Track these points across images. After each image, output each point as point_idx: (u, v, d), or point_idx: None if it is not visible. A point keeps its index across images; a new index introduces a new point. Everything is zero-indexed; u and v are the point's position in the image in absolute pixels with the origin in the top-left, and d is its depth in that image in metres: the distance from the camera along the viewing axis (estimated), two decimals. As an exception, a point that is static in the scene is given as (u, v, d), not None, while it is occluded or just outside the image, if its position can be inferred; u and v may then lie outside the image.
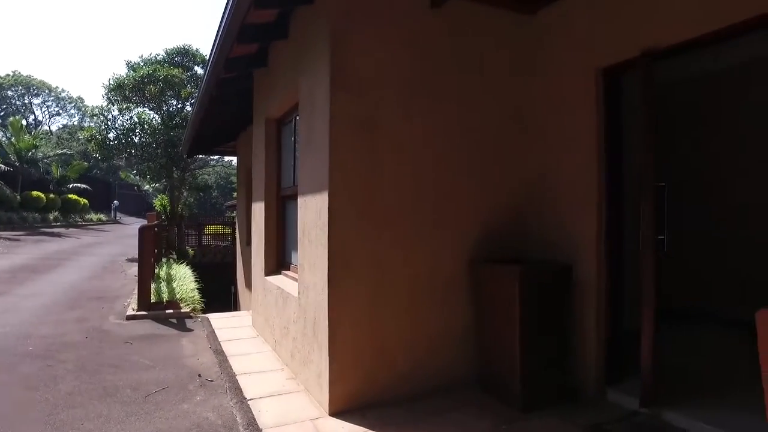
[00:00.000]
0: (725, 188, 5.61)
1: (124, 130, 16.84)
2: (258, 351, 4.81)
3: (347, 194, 3.33)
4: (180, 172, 17.41)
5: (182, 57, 18.48)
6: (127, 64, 18.58)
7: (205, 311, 7.05)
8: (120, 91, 16.37)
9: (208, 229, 21.77)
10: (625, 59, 3.38)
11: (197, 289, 7.76)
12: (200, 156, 16.86)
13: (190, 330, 5.73)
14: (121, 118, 17.26)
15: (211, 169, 37.27)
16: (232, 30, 3.84)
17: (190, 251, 17.96)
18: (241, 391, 3.65)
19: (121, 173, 22.72)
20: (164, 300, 6.82)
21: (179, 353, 4.73)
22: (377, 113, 3.45)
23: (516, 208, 4.04)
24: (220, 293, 12.63)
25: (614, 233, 3.60)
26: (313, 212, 3.59)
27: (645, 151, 3.23)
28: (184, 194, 18.69)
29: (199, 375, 4.06)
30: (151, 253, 7.91)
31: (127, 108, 17.07)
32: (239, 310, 10.00)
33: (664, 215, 3.42)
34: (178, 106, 17.40)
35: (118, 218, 40.06)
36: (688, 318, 5.53)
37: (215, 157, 24.89)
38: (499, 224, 3.94)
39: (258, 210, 5.56)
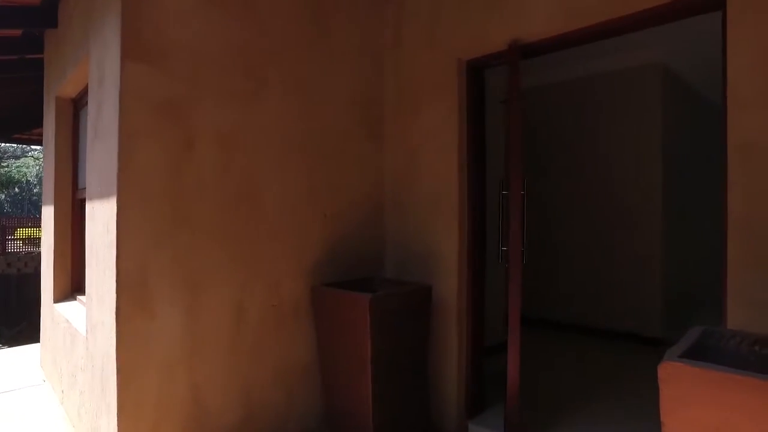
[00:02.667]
0: (569, 192, 5.76)
1: None
2: (36, 407, 3.62)
3: (145, 202, 2.46)
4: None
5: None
6: None
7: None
8: None
9: (20, 233, 18.16)
10: (493, 52, 3.03)
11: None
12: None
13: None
14: None
15: (32, 161, 31.69)
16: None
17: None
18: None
19: None
20: None
21: None
22: (194, 96, 2.63)
23: (370, 221, 3.50)
24: (32, 312, 10.35)
25: (478, 247, 3.24)
26: (100, 225, 2.64)
27: (513, 156, 2.89)
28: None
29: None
30: None
31: None
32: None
33: (524, 225, 3.14)
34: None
35: None
36: (527, 323, 5.57)
37: (37, 147, 20.96)
38: (350, 240, 3.36)
39: (47, 215, 4.29)
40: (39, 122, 7.99)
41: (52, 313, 3.97)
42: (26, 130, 8.45)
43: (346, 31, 3.37)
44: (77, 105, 4.05)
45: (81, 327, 3.14)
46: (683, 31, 4.44)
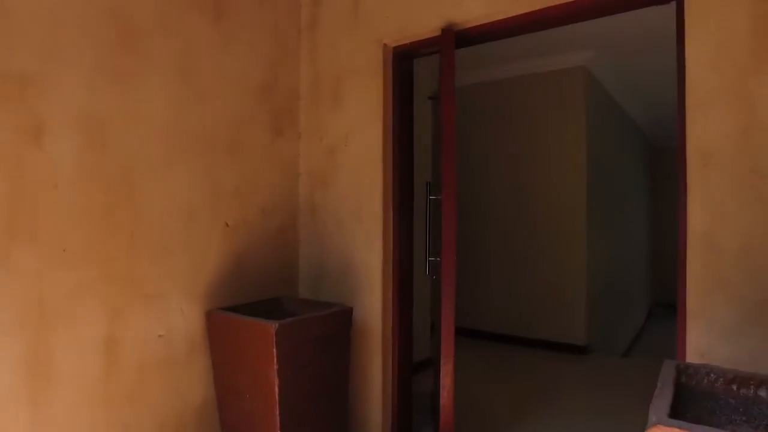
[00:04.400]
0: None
1: None
2: None
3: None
4: None
5: None
6: None
7: None
8: None
9: None
10: (424, 38, 2.67)
11: None
12: None
13: None
14: None
15: None
16: None
17: None
18: None
19: None
20: None
21: None
22: (48, 72, 2.01)
23: (281, 230, 3.01)
24: None
25: (405, 258, 2.86)
26: None
27: (447, 156, 2.53)
28: None
29: None
30: None
31: None
32: None
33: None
34: None
35: None
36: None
37: None
38: (257, 253, 2.84)
39: None
40: None
41: None
42: None
43: (253, 4, 2.86)
44: None
45: None
46: (604, 36, 4.38)
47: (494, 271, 5.39)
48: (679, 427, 1.03)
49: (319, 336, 2.41)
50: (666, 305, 9.27)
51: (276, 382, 2.19)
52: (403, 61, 2.84)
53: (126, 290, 2.23)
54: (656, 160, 9.69)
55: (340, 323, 2.58)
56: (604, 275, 5.54)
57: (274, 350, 2.15)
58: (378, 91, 2.77)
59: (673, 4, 2.01)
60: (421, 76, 3.78)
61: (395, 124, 2.78)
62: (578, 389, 3.93)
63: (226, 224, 2.68)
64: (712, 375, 1.41)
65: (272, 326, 2.15)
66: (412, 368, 2.95)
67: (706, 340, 1.72)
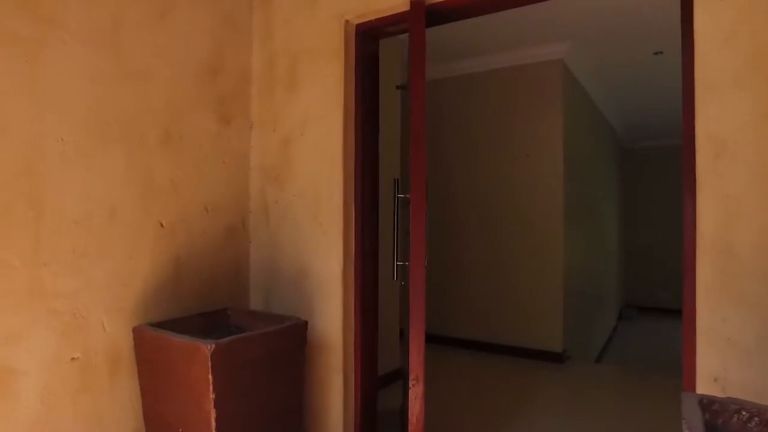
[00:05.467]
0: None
1: None
2: None
3: None
4: None
5: None
6: None
7: None
8: None
9: None
10: (390, 13, 2.35)
11: None
12: None
13: None
14: None
15: None
16: None
17: None
18: None
19: None
20: None
21: None
22: None
23: (228, 232, 2.64)
24: None
25: (369, 263, 2.54)
26: None
27: (417, 149, 2.21)
28: None
29: None
30: None
31: None
32: None
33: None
34: None
35: None
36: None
37: None
38: (199, 258, 2.47)
39: None
40: None
41: None
42: None
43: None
44: None
45: None
46: (583, 26, 4.17)
47: (468, 274, 5.11)
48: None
49: (267, 355, 2.05)
50: (635, 306, 9.24)
51: (213, 413, 1.83)
52: (367, 41, 2.52)
53: (27, 307, 1.83)
54: (626, 160, 9.66)
55: (293, 339, 2.23)
56: (580, 278, 5.34)
57: (210, 376, 1.79)
58: (339, 74, 2.44)
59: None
60: (388, 65, 3.47)
61: (358, 111, 2.46)
62: (557, 401, 3.68)
63: (161, 224, 2.30)
64: (743, 413, 1.13)
65: (207, 347, 1.79)
66: (377, 386, 2.63)
67: (720, 362, 1.46)
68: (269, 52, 2.71)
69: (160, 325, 2.13)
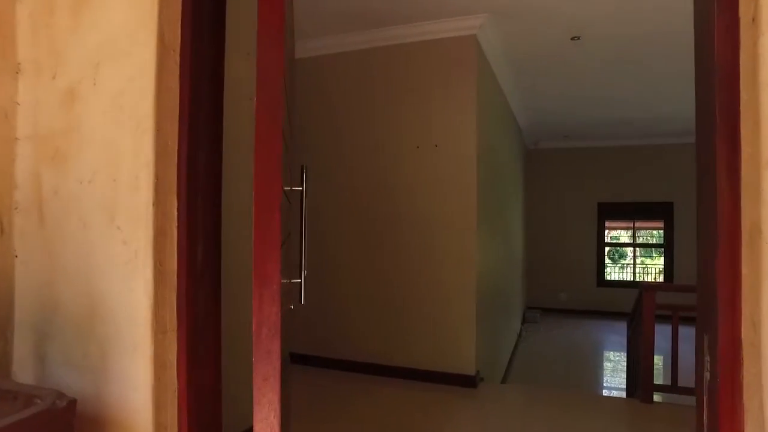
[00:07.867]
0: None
1: None
2: None
3: None
4: None
5: None
6: None
7: None
8: None
9: None
10: None
11: None
12: None
13: None
14: None
15: None
16: None
17: None
18: None
19: None
20: None
21: None
22: None
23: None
24: None
25: (207, 286, 1.61)
26: None
27: (267, 107, 1.33)
28: None
29: None
30: None
31: None
32: None
33: (304, 240, 1.64)
34: None
35: None
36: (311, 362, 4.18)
37: None
38: None
39: None
40: None
41: None
42: None
43: None
44: None
45: None
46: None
47: (360, 286, 4.30)
48: None
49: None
50: (538, 308, 9.12)
51: None
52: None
53: None
54: (529, 160, 9.53)
55: (52, 424, 1.24)
56: (491, 285, 4.77)
57: None
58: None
59: None
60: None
61: (186, 41, 1.52)
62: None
63: None
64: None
65: None
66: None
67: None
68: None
69: None
